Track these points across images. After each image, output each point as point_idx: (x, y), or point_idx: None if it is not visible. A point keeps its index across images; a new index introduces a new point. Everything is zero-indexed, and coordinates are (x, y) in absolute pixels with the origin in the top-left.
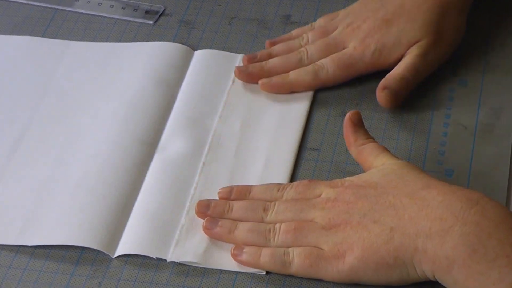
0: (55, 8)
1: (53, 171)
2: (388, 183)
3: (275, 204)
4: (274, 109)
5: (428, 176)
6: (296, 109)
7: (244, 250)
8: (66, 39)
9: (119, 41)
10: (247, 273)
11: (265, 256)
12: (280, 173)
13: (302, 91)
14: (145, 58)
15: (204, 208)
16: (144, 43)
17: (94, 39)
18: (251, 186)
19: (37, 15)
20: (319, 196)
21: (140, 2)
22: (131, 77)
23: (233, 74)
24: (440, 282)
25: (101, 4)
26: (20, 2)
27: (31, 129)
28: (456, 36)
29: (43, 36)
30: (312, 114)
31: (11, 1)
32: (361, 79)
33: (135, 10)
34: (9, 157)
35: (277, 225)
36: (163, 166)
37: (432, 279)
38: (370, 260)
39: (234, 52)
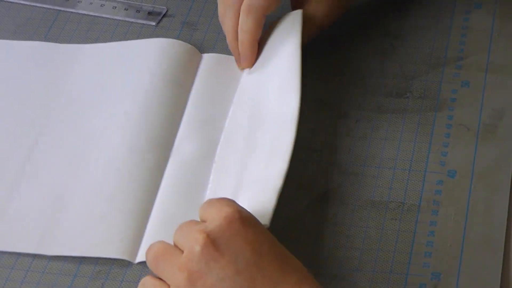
0: (57, 10)
1: (69, 178)
2: (271, 254)
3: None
4: (271, 103)
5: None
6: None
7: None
8: (69, 41)
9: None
10: None
11: None
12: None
13: None
14: (152, 56)
15: None
16: (150, 39)
17: (96, 40)
18: None
19: (39, 16)
20: (206, 221)
21: (143, 3)
22: (141, 77)
23: (240, 77)
24: None
25: (104, 5)
26: (23, 4)
27: (45, 135)
28: None
29: (45, 37)
30: (313, 115)
31: (13, 2)
32: (364, 80)
33: (138, 11)
34: (24, 164)
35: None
36: (178, 169)
37: None
38: None
39: None
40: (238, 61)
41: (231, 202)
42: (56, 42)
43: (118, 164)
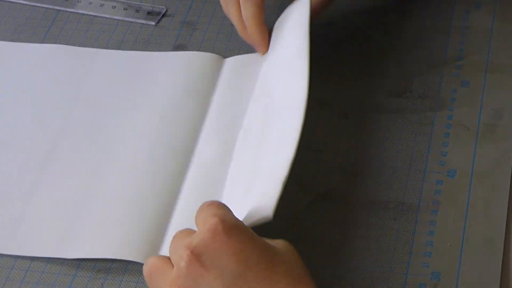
0: (57, 9)
1: (89, 183)
2: (259, 265)
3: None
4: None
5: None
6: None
7: None
8: (68, 40)
9: (121, 42)
10: None
11: None
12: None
13: None
14: (175, 67)
15: None
16: (175, 53)
17: (96, 40)
18: None
19: (39, 16)
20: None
21: (142, 3)
22: (161, 87)
23: (258, 73)
24: None
25: (103, 5)
26: (22, 3)
27: (64, 139)
28: None
29: (45, 37)
30: (314, 115)
31: (13, 2)
32: (363, 80)
33: (137, 11)
34: (42, 169)
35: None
36: (198, 173)
37: None
38: None
39: (237, 54)
40: (255, 48)
41: (216, 210)
42: (55, 42)
43: (138, 169)
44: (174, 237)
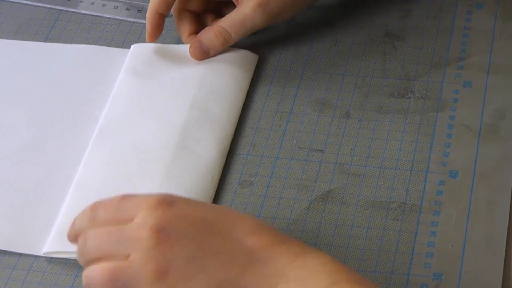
0: (59, 9)
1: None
2: (218, 220)
3: (86, 232)
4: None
5: (250, 217)
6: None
7: None
8: (71, 40)
9: (123, 42)
10: None
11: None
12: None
13: None
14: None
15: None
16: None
17: (98, 40)
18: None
19: (41, 16)
20: (133, 219)
21: (145, 3)
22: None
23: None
24: None
25: (106, 5)
26: (24, 3)
27: (96, 139)
28: None
29: (47, 37)
30: (316, 116)
31: (15, 2)
32: (365, 80)
33: (140, 11)
34: (74, 169)
35: (91, 268)
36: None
37: None
38: None
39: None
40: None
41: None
42: (57, 42)
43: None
44: (99, 233)
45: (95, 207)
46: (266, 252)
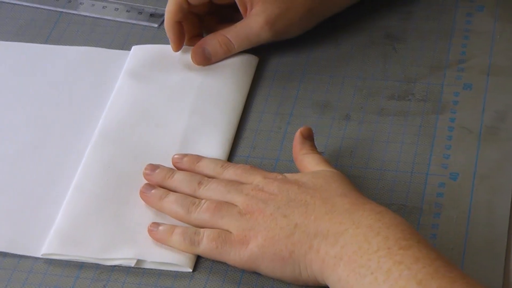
0: (59, 11)
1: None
2: (313, 185)
3: (209, 181)
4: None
5: (352, 188)
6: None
7: (159, 227)
8: (71, 43)
9: (124, 44)
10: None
11: (176, 234)
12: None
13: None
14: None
15: (150, 171)
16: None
17: (98, 42)
18: (202, 157)
19: (42, 18)
20: (252, 183)
21: (145, 6)
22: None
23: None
24: (327, 283)
25: (106, 7)
26: (25, 5)
27: (96, 142)
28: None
29: (48, 39)
30: (316, 118)
31: (16, 4)
32: (366, 82)
33: (140, 13)
34: (74, 171)
35: (203, 201)
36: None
37: (321, 281)
38: (268, 249)
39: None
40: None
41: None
42: (58, 44)
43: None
44: (220, 186)
45: (227, 165)
46: (347, 206)
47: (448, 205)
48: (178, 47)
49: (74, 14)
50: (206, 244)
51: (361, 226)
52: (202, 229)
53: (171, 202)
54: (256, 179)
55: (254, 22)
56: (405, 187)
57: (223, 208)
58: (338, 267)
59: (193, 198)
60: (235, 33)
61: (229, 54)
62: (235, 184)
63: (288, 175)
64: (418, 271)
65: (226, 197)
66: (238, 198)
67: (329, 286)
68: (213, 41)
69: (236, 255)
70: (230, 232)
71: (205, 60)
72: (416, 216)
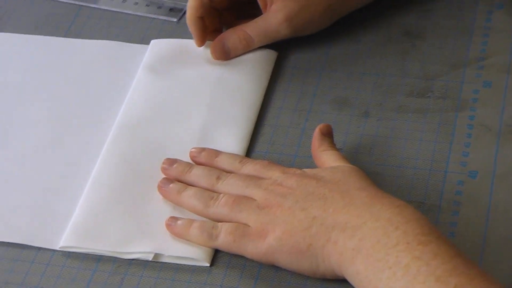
0: (79, 5)
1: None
2: (331, 179)
3: (228, 175)
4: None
5: (371, 183)
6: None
7: (177, 221)
8: (90, 36)
9: (143, 38)
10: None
11: (194, 228)
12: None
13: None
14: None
15: (168, 165)
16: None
17: (117, 36)
18: (221, 152)
19: (61, 11)
20: (270, 177)
21: (164, 0)
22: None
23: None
24: (344, 276)
25: (125, 1)
26: None
27: (114, 136)
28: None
29: (67, 32)
30: (335, 114)
31: None
32: (385, 79)
33: (159, 7)
34: (92, 164)
35: (221, 195)
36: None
37: (339, 274)
38: (286, 242)
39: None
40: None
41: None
42: (77, 37)
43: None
44: (239, 180)
45: (245, 160)
46: (366, 199)
47: (467, 203)
48: (201, 42)
49: (93, 7)
50: (224, 238)
51: (380, 219)
52: (220, 223)
53: (189, 196)
54: (275, 174)
55: (273, 18)
56: (424, 184)
57: (241, 202)
58: (356, 259)
59: (211, 192)
60: (254, 28)
61: (248, 49)
62: (254, 179)
63: (307, 170)
64: (436, 267)
65: (244, 191)
66: (256, 192)
67: (347, 279)
68: (232, 36)
69: (254, 248)
70: (248, 226)
71: (225, 54)
72: (434, 214)
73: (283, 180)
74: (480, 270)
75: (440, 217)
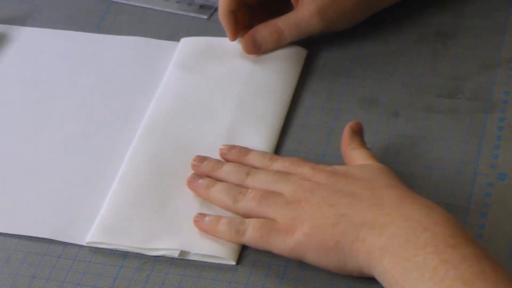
0: (109, 1)
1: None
2: (360, 177)
3: (257, 171)
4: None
5: (400, 182)
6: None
7: (205, 218)
8: (120, 32)
9: (173, 35)
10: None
11: (222, 224)
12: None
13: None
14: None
15: (199, 162)
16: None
17: (147, 33)
18: (250, 150)
19: (92, 7)
20: (300, 173)
21: None
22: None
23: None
24: (373, 274)
25: None
26: None
27: (142, 133)
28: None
29: (97, 28)
30: (363, 114)
31: None
32: (415, 79)
33: (190, 4)
34: (121, 161)
35: (249, 190)
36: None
37: (366, 272)
38: (314, 238)
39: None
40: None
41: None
42: (107, 33)
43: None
44: (271, 177)
45: (275, 158)
46: (395, 198)
47: (496, 205)
48: (234, 36)
49: (124, 3)
50: (252, 233)
51: (409, 219)
52: (247, 219)
53: (218, 191)
54: (304, 170)
55: (305, 11)
56: (452, 186)
57: (270, 197)
58: (384, 258)
59: (240, 187)
60: (285, 22)
61: (279, 43)
62: (283, 174)
63: (337, 167)
64: (464, 270)
65: (273, 186)
66: (285, 187)
67: (375, 277)
68: (263, 30)
69: (282, 244)
70: (276, 221)
71: (255, 48)
72: (462, 216)
73: (312, 175)
74: (508, 274)
75: (468, 219)
